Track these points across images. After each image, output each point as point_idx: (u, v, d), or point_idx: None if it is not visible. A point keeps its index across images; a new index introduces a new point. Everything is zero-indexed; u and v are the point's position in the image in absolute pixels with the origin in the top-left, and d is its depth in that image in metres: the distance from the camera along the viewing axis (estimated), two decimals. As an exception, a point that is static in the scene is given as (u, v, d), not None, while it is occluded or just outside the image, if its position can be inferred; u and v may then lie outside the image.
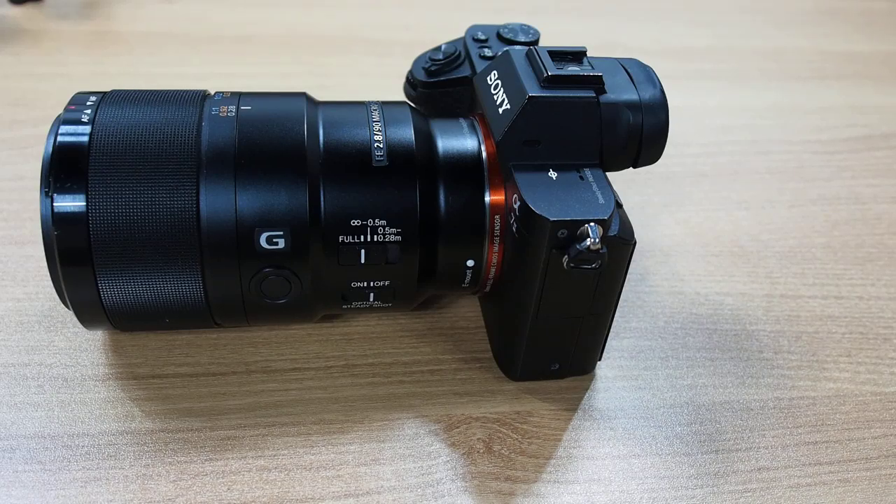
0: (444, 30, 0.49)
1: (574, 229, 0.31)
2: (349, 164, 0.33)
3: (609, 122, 0.34)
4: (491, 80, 0.36)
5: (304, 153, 0.33)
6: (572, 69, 0.34)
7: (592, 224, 0.30)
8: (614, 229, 0.32)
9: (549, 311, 0.34)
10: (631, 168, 0.36)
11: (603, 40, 0.69)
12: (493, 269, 0.35)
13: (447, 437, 0.35)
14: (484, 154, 0.35)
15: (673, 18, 0.75)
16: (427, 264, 0.35)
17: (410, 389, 0.37)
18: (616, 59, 0.36)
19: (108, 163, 0.31)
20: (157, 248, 0.32)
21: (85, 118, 0.32)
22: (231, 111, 0.34)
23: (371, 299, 0.35)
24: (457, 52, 0.40)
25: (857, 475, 0.35)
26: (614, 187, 0.33)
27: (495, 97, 0.35)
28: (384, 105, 0.36)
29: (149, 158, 0.32)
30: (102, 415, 0.35)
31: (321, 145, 0.33)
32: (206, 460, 0.33)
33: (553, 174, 0.33)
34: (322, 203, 0.33)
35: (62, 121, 0.32)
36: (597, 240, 0.30)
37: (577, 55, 0.35)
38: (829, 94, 0.65)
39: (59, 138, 0.32)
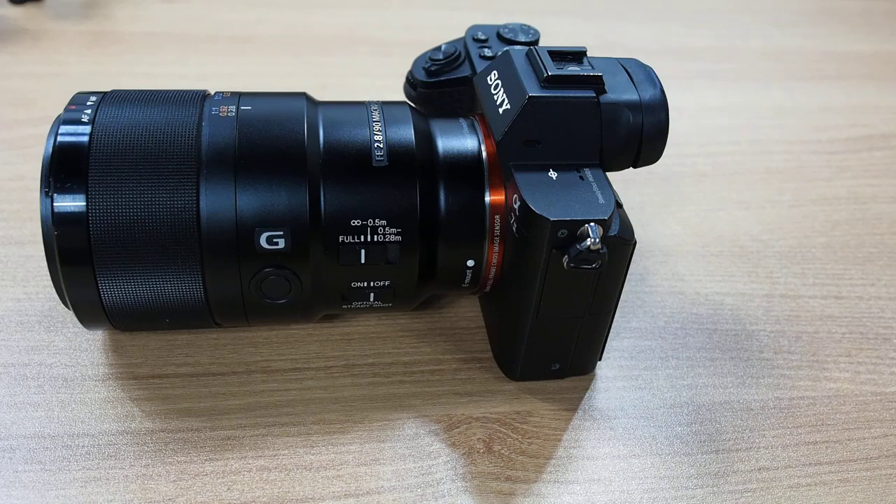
0: (444, 30, 0.49)
1: (574, 229, 0.31)
2: (349, 164, 0.33)
3: (609, 122, 0.34)
4: (491, 80, 0.36)
5: (304, 153, 0.33)
6: (572, 69, 0.34)
7: (592, 224, 0.30)
8: (614, 229, 0.32)
9: (549, 311, 0.34)
10: (631, 168, 0.36)
11: (603, 40, 0.69)
12: (493, 269, 0.35)
13: (447, 437, 0.35)
14: (484, 154, 0.35)
15: (673, 18, 0.75)
16: (427, 264, 0.35)
17: (410, 389, 0.37)
18: (616, 59, 0.36)
19: (108, 163, 0.31)
20: (157, 248, 0.32)
21: (85, 118, 0.32)
22: (231, 111, 0.33)
23: (371, 299, 0.35)
24: (457, 52, 0.40)
25: (857, 475, 0.35)
26: (614, 187, 0.33)
27: (495, 97, 0.35)
28: (384, 105, 0.36)
29: (149, 158, 0.32)
30: (102, 415, 0.35)
31: (321, 145, 0.33)
32: (206, 460, 0.33)
33: (553, 174, 0.33)
34: (322, 203, 0.33)
35: (62, 121, 0.32)
36: (597, 240, 0.30)
37: (577, 55, 0.35)
38: (830, 95, 0.65)
39: (59, 138, 0.32)
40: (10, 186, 0.46)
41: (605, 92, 0.34)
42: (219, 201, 0.32)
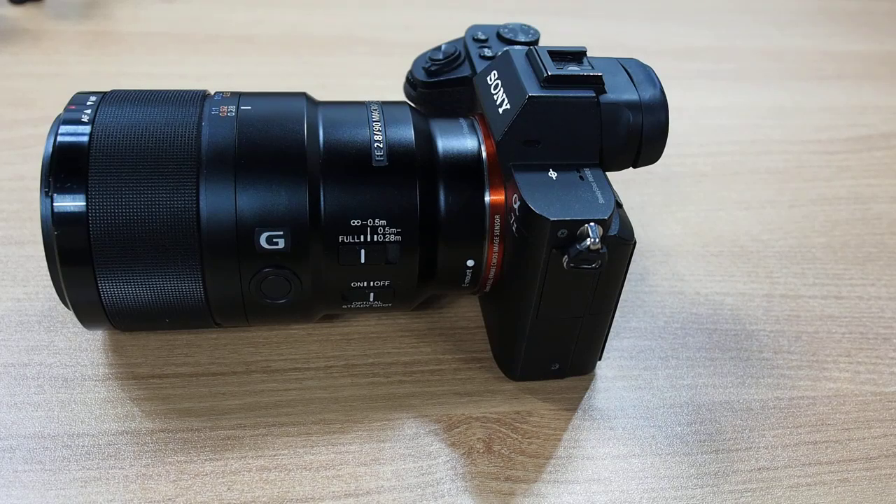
0: (444, 30, 0.49)
1: (574, 229, 0.31)
2: (349, 164, 0.33)
3: (609, 122, 0.34)
4: (491, 80, 0.36)
5: (304, 153, 0.33)
6: (572, 69, 0.34)
7: (592, 224, 0.30)
8: (614, 229, 0.32)
9: (549, 310, 0.34)
10: (631, 168, 0.36)
11: (603, 40, 0.69)
12: (492, 269, 0.35)
13: (447, 437, 0.35)
14: (484, 154, 0.35)
15: (673, 18, 0.75)
16: (427, 264, 0.35)
17: (410, 389, 0.37)
18: (616, 59, 0.36)
19: (108, 163, 0.31)
20: (157, 248, 0.32)
21: (85, 118, 0.32)
22: (231, 111, 0.34)
23: (371, 299, 0.35)
24: (457, 52, 0.40)
25: (857, 475, 0.35)
26: (614, 187, 0.33)
27: (495, 97, 0.35)
28: (384, 105, 0.36)
29: (149, 158, 0.32)
30: (102, 415, 0.35)
31: (321, 145, 0.33)
32: (206, 460, 0.33)
33: (553, 174, 0.33)
34: (322, 203, 0.33)
35: (62, 121, 0.32)
36: (597, 240, 0.30)
37: (577, 55, 0.35)
38: (830, 94, 0.65)
39: (59, 138, 0.32)
40: (10, 186, 0.46)
41: (605, 92, 0.34)
42: (219, 201, 0.32)
